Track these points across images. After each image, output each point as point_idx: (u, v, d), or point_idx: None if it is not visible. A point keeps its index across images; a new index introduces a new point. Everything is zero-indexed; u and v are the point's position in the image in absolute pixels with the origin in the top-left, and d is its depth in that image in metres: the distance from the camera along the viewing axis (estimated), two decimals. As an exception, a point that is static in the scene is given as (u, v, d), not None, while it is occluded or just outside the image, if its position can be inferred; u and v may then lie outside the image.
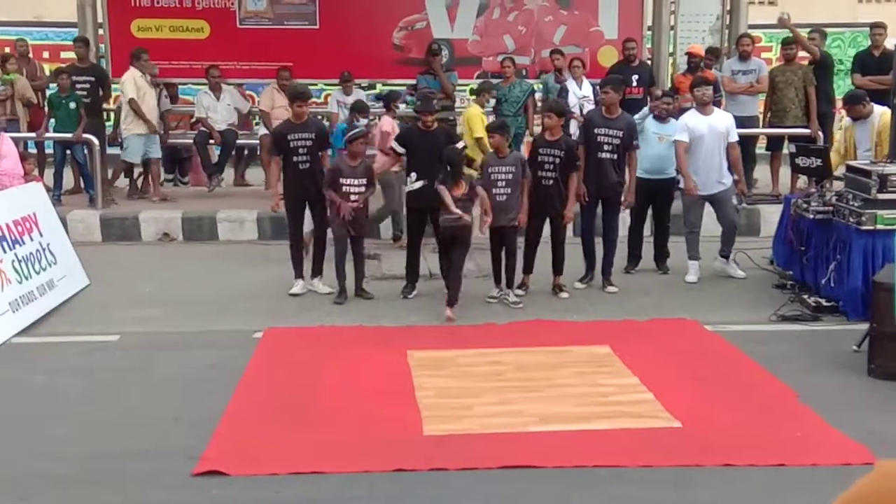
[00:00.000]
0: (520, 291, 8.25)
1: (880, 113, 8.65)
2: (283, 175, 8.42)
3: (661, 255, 9.30)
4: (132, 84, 11.24)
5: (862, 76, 11.31)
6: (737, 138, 8.95)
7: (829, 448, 5.12)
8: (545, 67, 12.25)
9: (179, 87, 12.98)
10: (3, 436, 5.45)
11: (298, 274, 8.49)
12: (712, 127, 8.68)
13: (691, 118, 8.79)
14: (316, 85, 13.31)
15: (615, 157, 8.44)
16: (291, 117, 8.43)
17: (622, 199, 8.57)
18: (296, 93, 8.51)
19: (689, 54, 11.67)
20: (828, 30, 12.19)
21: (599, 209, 8.66)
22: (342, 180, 8.03)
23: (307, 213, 8.51)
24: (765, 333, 7.35)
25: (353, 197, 8.03)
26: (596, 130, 8.45)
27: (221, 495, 4.70)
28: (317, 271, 8.54)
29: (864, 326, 6.76)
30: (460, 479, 4.81)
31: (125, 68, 11.65)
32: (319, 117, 10.64)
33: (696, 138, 8.66)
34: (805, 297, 8.00)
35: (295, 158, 8.25)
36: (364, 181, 8.13)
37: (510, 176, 7.94)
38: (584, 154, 8.49)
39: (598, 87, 11.27)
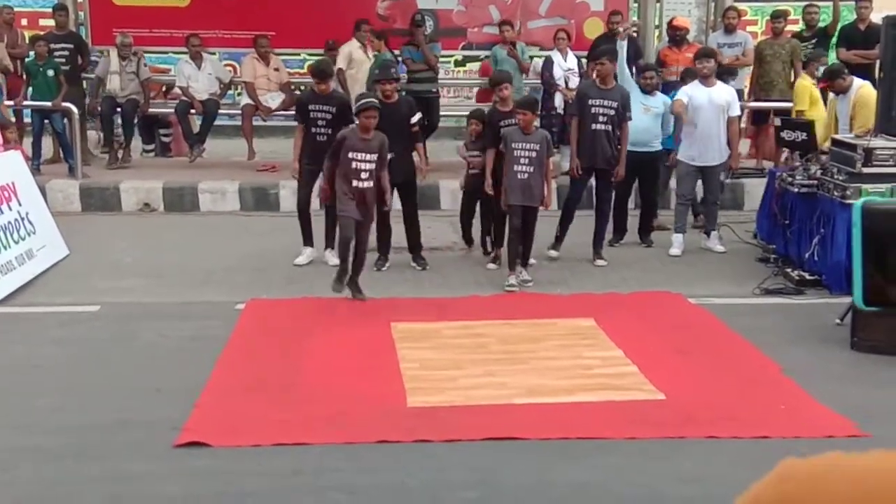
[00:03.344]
0: (526, 273, 7.95)
1: (858, 87, 8.63)
2: (302, 143, 8.28)
3: (645, 228, 9.29)
4: None
5: (847, 50, 11.30)
6: (738, 112, 8.97)
7: (813, 420, 5.13)
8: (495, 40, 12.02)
9: (159, 56, 12.83)
10: (-17, 406, 5.39)
11: (307, 242, 8.41)
12: (713, 100, 8.65)
13: (693, 88, 8.77)
14: (299, 55, 13.19)
15: (610, 127, 8.39)
16: (315, 89, 8.35)
17: (614, 171, 8.51)
18: (317, 70, 8.40)
19: (674, 27, 11.58)
20: (817, 4, 12.14)
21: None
22: (351, 154, 7.24)
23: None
24: (748, 306, 7.37)
25: (363, 174, 7.25)
26: (591, 102, 8.39)
27: (204, 466, 4.66)
28: (329, 242, 8.42)
29: (847, 300, 6.77)
30: (444, 451, 4.79)
31: (105, 36, 11.47)
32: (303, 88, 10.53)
33: (696, 108, 8.65)
34: (788, 270, 8.01)
35: (314, 129, 8.19)
36: (376, 156, 7.31)
37: (534, 154, 7.69)
38: (578, 126, 8.44)
39: (583, 60, 11.30)
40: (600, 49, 9.25)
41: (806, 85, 9.91)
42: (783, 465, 1.09)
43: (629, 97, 8.60)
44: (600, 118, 8.35)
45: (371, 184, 7.28)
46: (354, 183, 7.21)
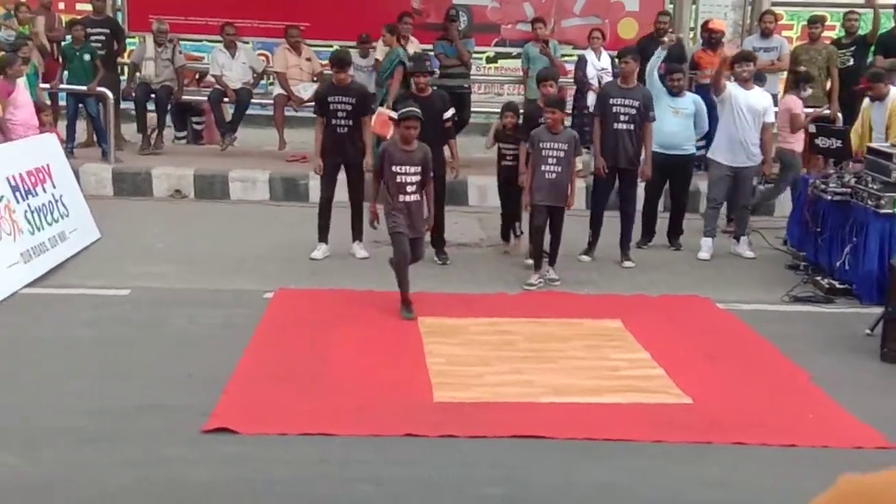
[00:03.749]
0: (553, 272, 7.92)
1: (894, 95, 8.53)
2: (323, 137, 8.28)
3: (674, 231, 9.25)
4: None
5: (885, 58, 11.16)
6: (773, 119, 8.91)
7: (842, 430, 5.11)
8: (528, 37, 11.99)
9: (194, 43, 12.91)
10: (17, 387, 5.46)
11: (322, 238, 8.41)
12: (750, 104, 8.61)
13: (734, 88, 8.72)
14: (332, 46, 13.19)
15: (632, 126, 8.35)
16: (334, 80, 8.34)
17: (640, 171, 8.49)
18: (335, 59, 8.41)
19: (709, 30, 11.51)
20: (858, 10, 12.02)
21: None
22: (394, 167, 6.86)
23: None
24: (777, 313, 7.33)
25: (408, 188, 6.88)
26: (612, 101, 8.38)
27: (232, 452, 4.70)
28: (356, 235, 8.44)
29: (878, 310, 6.73)
30: (470, 447, 4.81)
31: (141, 22, 11.55)
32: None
33: (732, 108, 8.61)
34: (818, 278, 7.96)
35: (333, 121, 8.17)
36: (420, 168, 6.93)
37: (562, 153, 7.64)
38: (601, 126, 8.42)
39: (615, 59, 11.23)
40: (623, 48, 9.22)
41: None
42: (843, 481, 1.10)
43: (651, 97, 8.57)
44: (622, 117, 8.33)
45: (418, 197, 6.94)
46: (401, 197, 6.87)
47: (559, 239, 7.90)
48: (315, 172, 8.58)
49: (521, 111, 9.00)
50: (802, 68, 10.59)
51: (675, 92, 8.99)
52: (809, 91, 10.06)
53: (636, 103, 8.34)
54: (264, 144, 12.59)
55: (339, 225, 8.45)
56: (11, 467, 4.50)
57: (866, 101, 8.77)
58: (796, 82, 10.16)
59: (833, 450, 4.90)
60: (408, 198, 6.89)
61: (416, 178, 6.90)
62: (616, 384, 5.71)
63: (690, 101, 9.06)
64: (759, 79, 9.79)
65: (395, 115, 9.61)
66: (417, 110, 6.98)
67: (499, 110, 13.64)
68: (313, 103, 11.41)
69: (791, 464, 4.76)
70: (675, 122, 8.91)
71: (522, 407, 5.32)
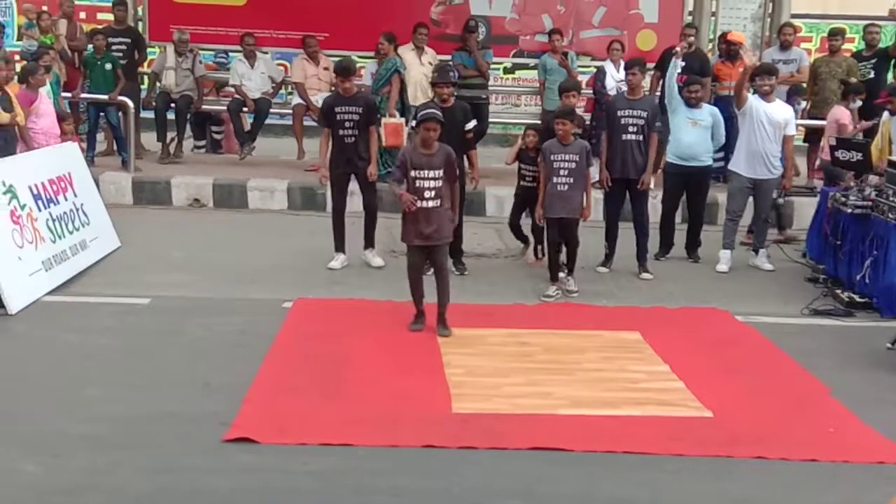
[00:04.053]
0: (572, 282, 7.92)
1: None
2: (329, 147, 8.30)
3: (692, 243, 9.23)
4: None
5: (904, 71, 11.16)
6: (794, 132, 8.89)
7: (863, 445, 5.07)
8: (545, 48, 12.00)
9: (214, 53, 12.98)
10: (38, 394, 5.49)
11: (339, 248, 8.43)
12: (770, 116, 8.59)
13: (755, 100, 8.72)
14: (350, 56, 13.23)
15: (640, 138, 8.38)
16: (340, 90, 8.36)
17: (640, 180, 8.44)
18: (340, 68, 8.45)
19: (728, 41, 11.49)
20: (879, 23, 12.00)
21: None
22: (413, 172, 6.61)
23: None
24: (796, 327, 7.29)
25: (427, 193, 6.61)
26: (619, 112, 8.40)
27: (251, 462, 4.71)
28: (368, 242, 8.46)
29: (899, 324, 6.71)
30: (489, 458, 4.80)
31: (162, 32, 11.63)
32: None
33: (753, 121, 8.60)
34: (838, 291, 7.92)
35: (341, 131, 8.18)
36: (441, 172, 6.65)
37: (573, 165, 7.62)
38: (609, 138, 8.43)
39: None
40: (631, 60, 9.24)
41: None
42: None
43: (658, 108, 8.58)
44: (630, 129, 8.35)
45: (439, 203, 6.66)
46: (419, 203, 6.63)
47: (575, 250, 7.90)
48: (321, 183, 8.62)
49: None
50: (853, 80, 10.57)
51: (692, 103, 8.98)
52: (859, 103, 10.04)
53: (644, 113, 8.37)
54: (282, 154, 12.64)
55: (357, 235, 8.48)
56: (33, 475, 4.52)
57: (885, 114, 8.74)
58: (845, 94, 10.15)
59: (854, 465, 4.87)
60: (426, 203, 6.64)
61: (437, 184, 6.63)
62: (635, 396, 5.69)
63: (708, 112, 9.04)
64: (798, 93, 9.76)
65: (398, 119, 9.71)
66: (437, 112, 6.78)
67: (516, 121, 13.78)
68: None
69: (813, 479, 4.73)
70: (692, 133, 8.89)
71: (541, 419, 5.31)
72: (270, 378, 5.75)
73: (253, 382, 5.64)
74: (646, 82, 9.72)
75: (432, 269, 6.96)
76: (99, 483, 4.49)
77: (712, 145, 9.06)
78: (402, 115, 10.79)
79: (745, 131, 8.68)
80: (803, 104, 10.00)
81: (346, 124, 8.17)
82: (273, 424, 5.08)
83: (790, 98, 9.83)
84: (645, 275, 8.50)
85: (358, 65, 13.46)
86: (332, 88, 11.70)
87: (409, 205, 6.61)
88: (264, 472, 4.62)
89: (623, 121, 8.36)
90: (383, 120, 10.45)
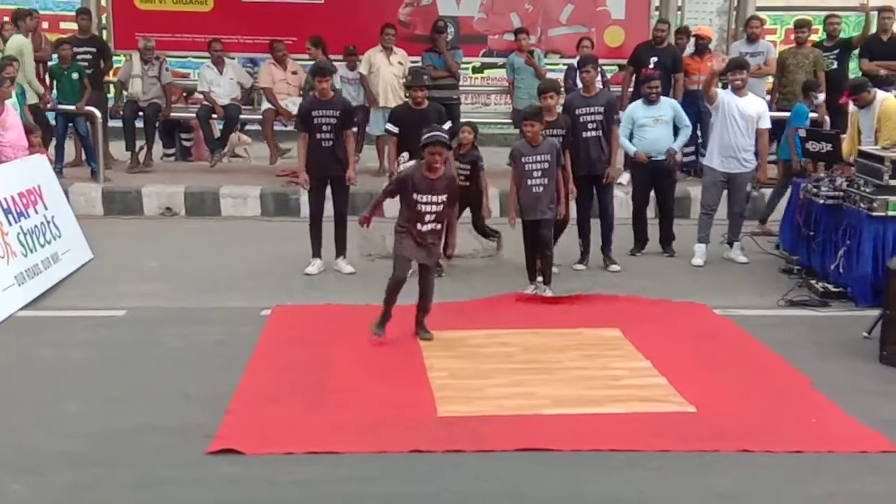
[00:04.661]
0: (549, 290, 7.82)
1: (881, 99, 8.57)
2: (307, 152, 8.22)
3: (666, 237, 9.28)
4: None
5: (870, 61, 11.28)
6: (768, 125, 8.96)
7: (846, 435, 5.11)
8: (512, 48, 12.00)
9: (182, 60, 12.88)
10: (16, 411, 5.41)
11: (316, 253, 8.38)
12: (742, 110, 8.64)
13: (726, 94, 8.79)
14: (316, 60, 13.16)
15: (599, 133, 8.45)
16: (317, 93, 8.30)
17: (605, 174, 8.50)
18: (316, 68, 8.40)
19: (696, 36, 11.59)
20: (839, 14, 12.13)
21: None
22: (416, 195, 6.41)
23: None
24: (773, 318, 7.34)
25: (427, 217, 6.47)
26: (577, 111, 8.44)
27: (237, 473, 4.67)
28: (340, 251, 8.43)
29: (874, 313, 6.78)
30: (477, 461, 4.79)
31: (127, 40, 11.51)
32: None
33: (725, 115, 8.66)
34: (812, 282, 7.99)
35: (318, 136, 8.12)
36: (444, 198, 6.52)
37: (546, 165, 7.59)
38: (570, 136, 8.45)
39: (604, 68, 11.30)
40: (583, 57, 9.33)
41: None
42: None
43: (615, 101, 8.71)
44: (589, 125, 8.41)
45: (436, 227, 6.54)
46: (419, 227, 6.48)
47: (550, 258, 7.81)
48: (303, 188, 8.56)
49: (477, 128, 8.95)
50: (813, 77, 10.68)
51: (650, 100, 9.01)
52: (822, 97, 10.14)
53: (601, 108, 8.46)
54: (253, 160, 12.56)
55: (329, 241, 8.44)
56: (18, 494, 4.45)
57: (852, 107, 8.83)
58: (805, 92, 10.22)
59: (837, 455, 4.91)
60: (424, 227, 6.48)
61: (438, 209, 6.47)
62: (618, 394, 5.71)
63: (668, 105, 9.13)
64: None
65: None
66: (444, 136, 6.57)
67: (487, 121, 13.75)
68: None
69: (798, 470, 4.76)
70: (655, 130, 9.00)
71: (526, 419, 5.31)
72: (252, 387, 5.70)
73: (235, 392, 5.60)
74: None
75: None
76: (82, 500, 4.44)
77: (681, 134, 9.07)
78: None
79: (718, 126, 8.74)
80: (821, 98, 10.12)
81: (324, 128, 8.12)
82: (257, 434, 5.04)
83: (807, 97, 9.92)
84: (613, 266, 8.59)
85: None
86: (301, 93, 11.68)
87: (362, 221, 6.87)
88: (250, 484, 4.58)
89: (582, 119, 8.41)
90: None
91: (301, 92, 11.57)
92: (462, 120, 9.46)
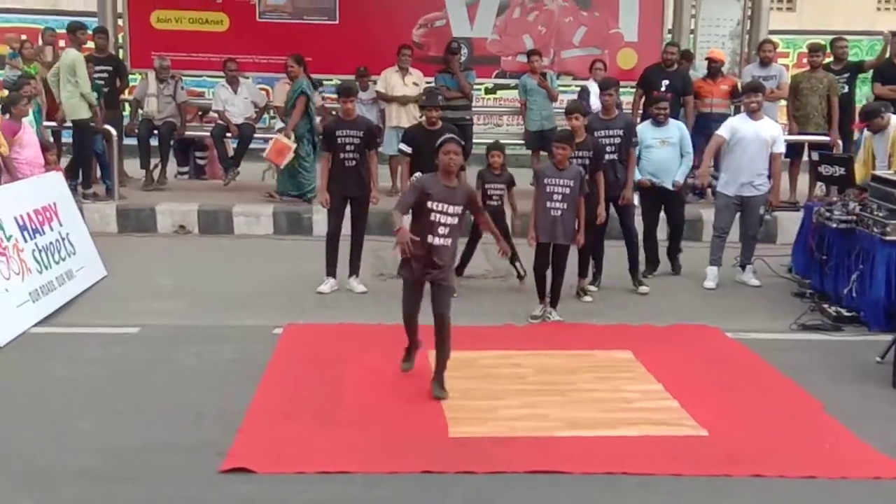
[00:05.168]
0: (556, 314, 7.79)
1: (895, 123, 8.58)
2: (329, 171, 8.24)
3: (674, 248, 9.33)
4: None
5: (882, 85, 11.28)
6: (782, 150, 8.96)
7: (860, 461, 5.09)
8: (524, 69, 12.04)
9: (196, 79, 12.99)
10: (29, 427, 5.42)
11: (330, 272, 8.39)
12: (757, 133, 8.65)
13: (739, 121, 8.83)
14: (331, 80, 13.27)
15: (617, 156, 8.46)
16: (341, 113, 8.34)
17: (621, 196, 8.51)
18: (342, 89, 8.46)
19: (709, 59, 11.62)
20: (846, 37, 12.15)
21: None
22: (430, 203, 5.87)
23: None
24: (786, 342, 7.31)
25: (441, 230, 5.89)
26: (596, 133, 8.43)
27: (248, 492, 4.67)
28: (353, 270, 8.44)
29: (887, 337, 6.76)
30: (489, 483, 4.78)
31: (143, 59, 11.61)
32: (333, 114, 10.58)
33: (739, 139, 8.67)
34: (825, 306, 7.97)
35: (342, 155, 8.15)
36: (460, 209, 5.99)
37: (567, 190, 7.52)
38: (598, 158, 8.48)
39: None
40: (604, 80, 9.32)
41: None
42: None
43: (633, 124, 8.73)
44: (608, 148, 8.39)
45: (448, 242, 5.95)
46: (429, 238, 5.90)
47: (562, 278, 7.77)
48: (322, 206, 8.58)
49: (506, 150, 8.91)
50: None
51: (659, 122, 9.04)
52: None
53: (619, 132, 8.47)
54: (267, 178, 12.59)
55: (346, 258, 8.46)
56: (28, 511, 4.47)
57: (866, 132, 8.84)
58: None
59: (851, 481, 4.89)
60: (436, 240, 5.90)
61: (453, 221, 5.91)
62: (630, 416, 5.69)
63: (675, 127, 9.14)
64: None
65: (291, 143, 9.70)
66: (456, 136, 6.23)
67: (505, 142, 13.73)
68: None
69: (812, 496, 4.74)
70: (662, 152, 9.01)
71: (539, 441, 5.30)
72: (265, 406, 5.71)
73: (247, 411, 5.61)
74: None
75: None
76: (95, 517, 4.45)
77: (683, 164, 9.05)
78: (311, 136, 10.80)
79: (731, 149, 8.74)
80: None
81: (348, 147, 8.15)
82: (269, 453, 5.04)
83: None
84: (642, 288, 8.59)
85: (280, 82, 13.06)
86: (317, 114, 11.74)
87: (403, 246, 5.79)
88: (262, 503, 4.58)
89: (601, 141, 8.41)
90: (276, 136, 10.71)
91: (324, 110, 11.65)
92: (489, 142, 9.45)
